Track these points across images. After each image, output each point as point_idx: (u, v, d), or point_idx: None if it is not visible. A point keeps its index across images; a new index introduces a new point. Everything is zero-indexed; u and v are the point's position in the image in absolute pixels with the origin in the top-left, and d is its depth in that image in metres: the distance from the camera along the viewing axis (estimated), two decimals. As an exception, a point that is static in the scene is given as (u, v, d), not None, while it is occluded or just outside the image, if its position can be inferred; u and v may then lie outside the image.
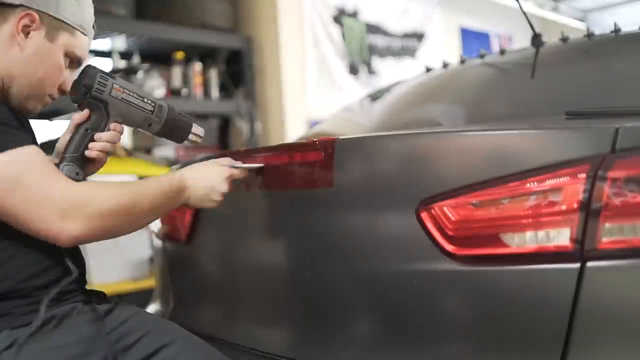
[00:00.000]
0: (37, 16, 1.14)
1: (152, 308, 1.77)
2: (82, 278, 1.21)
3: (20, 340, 1.01)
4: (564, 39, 1.79)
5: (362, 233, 1.18)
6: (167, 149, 3.94)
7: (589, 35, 1.76)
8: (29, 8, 1.14)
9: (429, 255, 1.07)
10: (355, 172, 1.21)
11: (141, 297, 1.99)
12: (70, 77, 1.23)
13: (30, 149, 1.05)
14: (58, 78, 1.21)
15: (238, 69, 4.17)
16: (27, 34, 1.15)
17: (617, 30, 1.71)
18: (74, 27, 1.19)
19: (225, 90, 4.12)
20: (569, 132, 1.08)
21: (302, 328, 1.30)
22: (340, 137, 1.24)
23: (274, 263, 1.36)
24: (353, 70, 4.73)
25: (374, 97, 2.27)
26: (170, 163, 3.44)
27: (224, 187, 1.26)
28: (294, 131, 4.09)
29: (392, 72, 4.87)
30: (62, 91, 1.23)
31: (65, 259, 1.13)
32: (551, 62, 1.69)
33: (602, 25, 6.13)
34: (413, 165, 1.15)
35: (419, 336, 1.10)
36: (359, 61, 4.77)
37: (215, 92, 3.99)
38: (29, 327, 1.03)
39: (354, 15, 4.82)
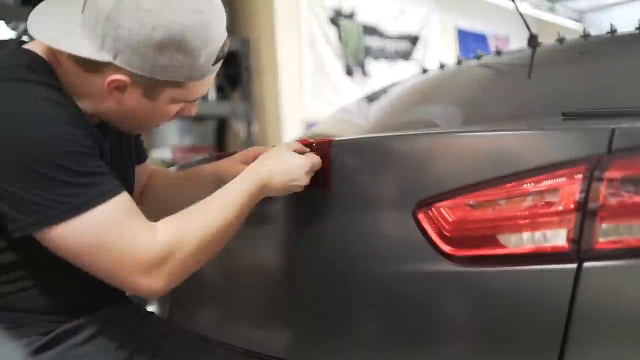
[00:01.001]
0: (128, 79, 0.98)
1: (150, 309, 1.76)
2: (115, 290, 1.14)
3: (35, 347, 1.01)
4: (560, 40, 1.79)
5: (359, 234, 1.18)
6: (164, 151, 3.94)
7: (585, 36, 1.76)
8: (118, 68, 0.97)
9: (425, 256, 1.07)
10: (352, 173, 1.21)
11: (139, 298, 1.98)
12: (190, 107, 1.11)
13: (113, 202, 0.95)
14: (164, 119, 1.11)
15: (235, 71, 4.17)
16: (123, 90, 1.01)
17: (613, 31, 1.71)
18: (179, 82, 1.02)
19: (222, 91, 4.12)
20: (566, 133, 1.08)
21: (299, 329, 1.30)
22: (337, 138, 1.24)
23: (270, 264, 1.36)
24: (348, 71, 4.73)
25: (371, 98, 2.27)
26: (168, 165, 3.44)
27: (305, 181, 1.15)
28: (291, 132, 4.09)
29: (386, 74, 4.88)
30: (182, 116, 1.14)
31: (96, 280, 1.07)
32: (547, 62, 1.69)
33: (599, 26, 6.15)
34: (410, 166, 1.15)
35: (416, 337, 1.10)
36: (354, 63, 4.77)
37: (212, 93, 3.99)
38: (43, 337, 1.02)
39: (350, 16, 4.82)
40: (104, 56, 0.97)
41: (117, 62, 0.97)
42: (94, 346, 1.08)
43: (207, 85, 1.09)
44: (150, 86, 1.01)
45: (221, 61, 1.07)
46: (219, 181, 1.20)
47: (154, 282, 0.96)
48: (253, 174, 1.10)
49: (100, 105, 1.03)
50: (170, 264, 0.96)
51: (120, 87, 1.00)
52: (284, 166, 1.13)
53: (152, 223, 0.98)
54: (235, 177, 1.11)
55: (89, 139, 0.98)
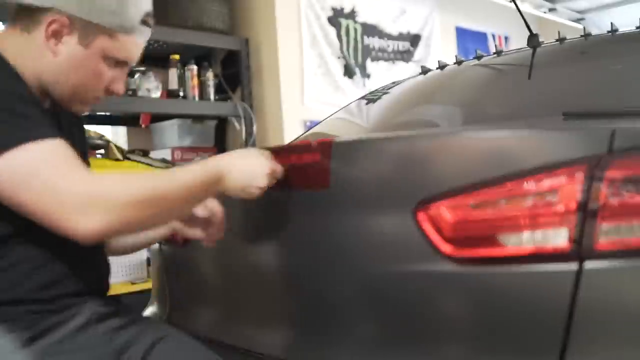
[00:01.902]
0: (67, 20, 1.08)
1: (149, 310, 1.76)
2: (100, 283, 1.18)
3: (23, 343, 1.01)
4: (561, 40, 1.79)
5: (359, 234, 1.18)
6: (163, 151, 3.93)
7: (586, 35, 1.76)
8: (59, 12, 1.07)
9: (426, 256, 1.06)
10: (352, 174, 1.21)
11: (138, 300, 1.98)
12: (119, 76, 1.16)
13: (49, 143, 0.97)
14: (99, 83, 1.14)
15: (235, 71, 4.16)
16: (59, 38, 1.09)
17: (614, 31, 1.71)
18: (112, 29, 1.10)
19: (222, 92, 4.11)
20: (566, 133, 1.08)
21: (299, 329, 1.30)
22: (337, 139, 1.24)
23: (270, 265, 1.36)
24: (348, 71, 4.73)
25: (371, 98, 2.27)
26: (167, 165, 3.44)
27: (263, 182, 1.17)
28: (291, 133, 4.08)
29: (386, 74, 4.88)
30: (109, 92, 1.17)
31: (83, 271, 1.10)
32: (548, 62, 1.69)
33: (599, 25, 6.15)
34: (410, 167, 1.15)
35: (416, 338, 1.10)
36: (354, 63, 4.77)
37: (212, 94, 3.98)
38: (33, 330, 1.02)
39: (350, 16, 4.82)
40: (45, 2, 1.06)
41: (57, 6, 1.06)
42: (82, 339, 1.08)
43: (136, 51, 1.15)
44: (86, 31, 1.08)
45: (149, 31, 1.14)
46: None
47: (90, 222, 0.94)
48: (212, 163, 1.13)
49: (40, 65, 1.08)
50: (108, 204, 0.95)
51: (57, 33, 1.07)
52: (245, 162, 1.16)
53: (89, 171, 1.02)
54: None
55: (37, 106, 1.03)
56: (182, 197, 1.06)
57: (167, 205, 1.05)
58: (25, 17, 1.10)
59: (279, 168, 1.20)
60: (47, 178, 0.95)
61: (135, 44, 1.15)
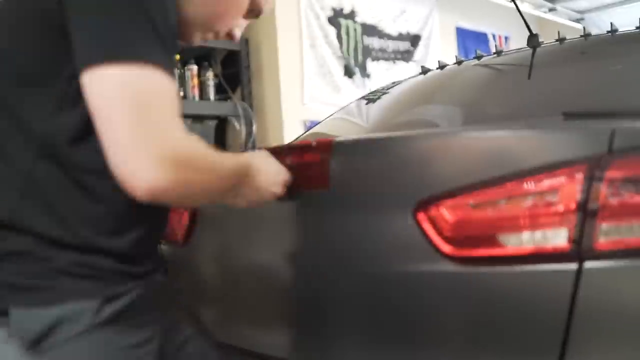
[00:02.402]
0: None
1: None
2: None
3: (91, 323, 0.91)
4: (561, 40, 1.79)
5: (359, 234, 1.18)
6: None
7: (586, 35, 1.76)
8: None
9: (426, 256, 1.06)
10: (352, 174, 1.21)
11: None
12: (243, 25, 1.14)
13: (167, 77, 0.88)
14: (233, 20, 1.11)
15: (235, 71, 4.16)
16: None
17: (613, 31, 1.71)
18: None
19: (222, 92, 4.11)
20: (566, 133, 1.08)
21: (299, 330, 1.30)
22: (337, 139, 1.24)
23: (270, 265, 1.36)
24: (348, 71, 4.73)
25: (371, 98, 2.27)
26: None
27: (278, 190, 1.18)
28: (291, 133, 4.08)
29: (386, 74, 4.88)
30: (228, 35, 1.14)
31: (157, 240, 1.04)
32: (548, 62, 1.69)
33: (599, 25, 6.15)
34: (410, 167, 1.15)
35: (416, 338, 1.10)
36: (354, 63, 4.77)
37: (212, 93, 3.98)
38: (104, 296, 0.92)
39: (350, 16, 4.82)
40: None
41: None
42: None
43: (270, 3, 1.15)
44: None
45: None
46: None
47: (160, 176, 0.84)
48: (244, 158, 1.10)
49: None
50: (182, 168, 0.87)
51: None
52: (269, 167, 1.16)
53: None
54: None
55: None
56: (222, 179, 1.02)
57: (214, 181, 0.99)
58: None
59: (289, 177, 1.21)
60: (153, 111, 0.86)
61: (273, 1, 1.16)
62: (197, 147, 0.92)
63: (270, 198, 1.17)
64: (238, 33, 1.14)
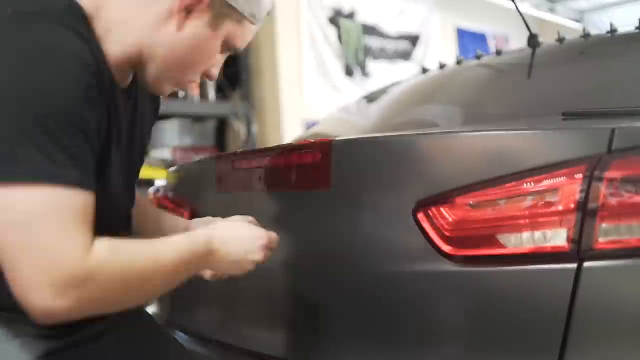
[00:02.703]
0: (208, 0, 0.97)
1: (151, 310, 1.76)
2: None
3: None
4: (561, 40, 1.79)
5: (359, 234, 1.18)
6: (164, 151, 3.93)
7: (586, 35, 1.76)
8: None
9: (426, 256, 1.07)
10: (352, 174, 1.21)
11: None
12: (219, 62, 1.08)
13: (65, 192, 0.82)
14: (204, 66, 1.05)
15: (235, 71, 4.17)
16: (190, 14, 0.97)
17: (613, 31, 1.71)
18: (243, 16, 1.02)
19: (222, 92, 4.12)
20: (566, 133, 1.08)
21: (299, 330, 1.30)
22: (337, 139, 1.24)
23: (270, 265, 1.36)
24: (348, 71, 4.73)
25: (371, 98, 2.27)
26: (168, 165, 3.44)
27: (259, 257, 1.08)
28: (291, 132, 4.09)
29: (386, 74, 4.88)
30: (204, 75, 1.07)
31: None
32: (548, 62, 1.69)
33: (599, 25, 6.15)
34: (410, 167, 1.15)
35: (416, 337, 1.10)
36: (354, 63, 4.77)
37: (212, 93, 3.99)
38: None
39: (350, 16, 4.82)
40: None
41: None
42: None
43: (250, 39, 1.07)
44: (219, 13, 0.99)
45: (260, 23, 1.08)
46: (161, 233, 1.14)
47: (63, 304, 0.80)
48: (203, 236, 1.01)
49: (151, 36, 0.97)
50: (87, 289, 0.82)
51: (191, 8, 0.97)
52: (239, 233, 1.07)
53: (90, 238, 0.84)
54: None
55: (96, 108, 0.89)
56: (166, 280, 0.94)
57: (149, 290, 0.94)
58: None
59: (274, 237, 1.11)
60: (42, 239, 0.81)
61: (251, 35, 1.07)
62: (106, 259, 0.84)
63: (252, 267, 1.09)
64: (215, 71, 1.08)
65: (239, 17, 1.01)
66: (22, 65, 0.84)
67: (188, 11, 0.97)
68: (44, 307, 0.80)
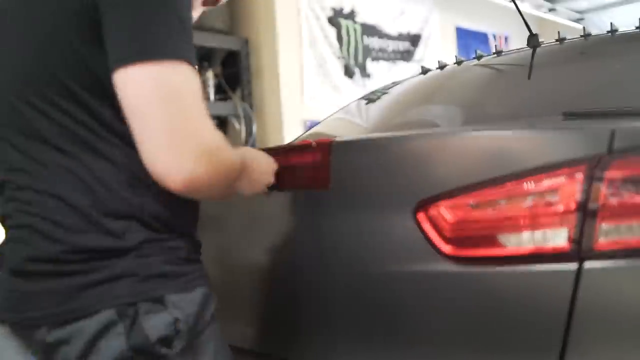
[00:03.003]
0: None
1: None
2: None
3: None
4: (561, 40, 1.79)
5: (359, 234, 1.18)
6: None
7: (586, 35, 1.76)
8: None
9: (426, 256, 1.07)
10: (351, 174, 1.21)
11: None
12: None
13: (193, 73, 0.92)
14: None
15: (235, 71, 4.17)
16: None
17: (613, 31, 1.71)
18: None
19: (222, 92, 4.12)
20: (566, 133, 1.08)
21: (298, 329, 1.30)
22: (337, 139, 1.24)
23: (269, 264, 1.36)
24: (348, 71, 4.73)
25: (371, 98, 2.27)
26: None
27: (270, 179, 1.20)
28: (291, 132, 4.09)
29: (386, 74, 4.88)
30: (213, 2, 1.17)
31: None
32: (548, 62, 1.69)
33: (599, 25, 6.15)
34: (410, 167, 1.15)
35: (416, 338, 1.10)
36: (354, 63, 4.77)
37: (212, 93, 3.99)
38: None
39: (350, 16, 4.82)
40: None
41: None
42: None
43: None
44: None
45: None
46: None
47: (197, 169, 0.89)
48: (240, 151, 1.08)
49: None
50: (213, 161, 0.91)
51: None
52: (260, 159, 1.19)
53: None
54: None
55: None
56: (234, 173, 1.02)
57: (226, 183, 1.01)
58: None
59: (277, 167, 1.23)
60: (188, 107, 0.90)
61: None
62: (222, 140, 0.96)
63: (262, 189, 1.19)
64: None
65: None
66: None
67: None
68: (186, 172, 0.88)
